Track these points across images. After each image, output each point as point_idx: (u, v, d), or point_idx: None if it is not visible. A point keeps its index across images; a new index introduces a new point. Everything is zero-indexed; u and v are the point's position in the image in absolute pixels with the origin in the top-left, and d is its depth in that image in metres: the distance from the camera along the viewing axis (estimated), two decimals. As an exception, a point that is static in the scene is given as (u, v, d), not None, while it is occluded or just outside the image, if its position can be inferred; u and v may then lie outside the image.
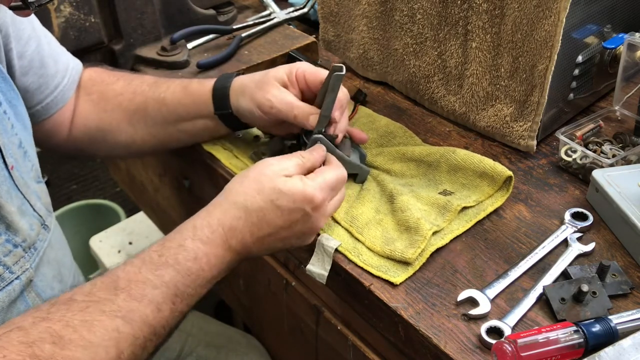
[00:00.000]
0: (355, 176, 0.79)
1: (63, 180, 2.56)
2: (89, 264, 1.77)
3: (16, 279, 0.68)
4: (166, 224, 1.35)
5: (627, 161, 0.77)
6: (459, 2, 0.81)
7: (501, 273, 0.66)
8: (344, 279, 0.69)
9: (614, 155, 0.77)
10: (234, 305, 1.24)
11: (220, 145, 0.86)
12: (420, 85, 0.93)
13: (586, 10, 0.78)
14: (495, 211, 0.74)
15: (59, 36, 0.93)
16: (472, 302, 0.62)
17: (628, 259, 0.67)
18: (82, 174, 2.61)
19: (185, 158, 0.97)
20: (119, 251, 1.70)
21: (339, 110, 0.75)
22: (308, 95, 0.77)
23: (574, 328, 0.56)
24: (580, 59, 0.81)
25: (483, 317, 0.61)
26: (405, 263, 0.66)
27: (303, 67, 0.77)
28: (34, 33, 0.78)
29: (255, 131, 0.88)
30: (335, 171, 0.69)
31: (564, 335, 0.56)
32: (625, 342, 0.55)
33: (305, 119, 0.73)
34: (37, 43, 0.79)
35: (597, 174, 0.72)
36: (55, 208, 0.80)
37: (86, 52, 0.98)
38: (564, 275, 0.65)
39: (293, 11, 1.14)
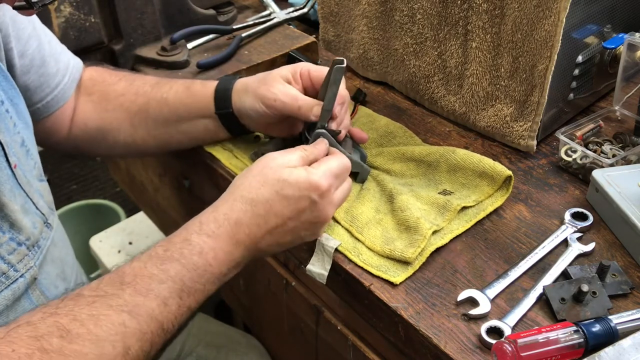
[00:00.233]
0: (356, 175, 0.79)
1: (63, 180, 2.56)
2: (89, 264, 1.77)
3: (20, 277, 0.68)
4: (166, 224, 1.35)
5: (627, 161, 0.77)
6: (459, 2, 0.81)
7: (501, 273, 0.66)
8: (344, 279, 0.69)
9: (614, 155, 0.77)
10: (234, 305, 1.24)
11: (220, 146, 0.86)
12: (420, 85, 0.93)
13: (586, 10, 0.78)
14: (495, 211, 0.74)
15: (59, 36, 0.93)
16: (472, 302, 0.62)
17: (628, 259, 0.67)
18: (82, 173, 2.61)
19: (185, 158, 0.97)
20: (119, 251, 1.70)
21: (340, 105, 0.75)
22: (311, 93, 0.78)
23: (574, 328, 0.56)
24: (580, 59, 0.81)
25: (483, 317, 0.61)
26: (405, 263, 0.66)
27: (307, 66, 0.78)
28: (35, 32, 0.79)
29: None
30: (338, 159, 0.68)
31: (564, 335, 0.56)
32: (625, 342, 0.55)
33: (309, 110, 0.73)
34: (38, 42, 0.79)
35: (597, 174, 0.72)
36: (55, 208, 0.81)
37: (86, 52, 0.98)
38: (564, 275, 0.65)
39: (293, 11, 1.14)
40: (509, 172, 0.73)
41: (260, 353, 1.10)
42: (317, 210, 0.65)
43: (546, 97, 0.77)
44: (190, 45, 1.06)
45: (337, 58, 0.70)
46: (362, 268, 0.67)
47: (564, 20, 0.71)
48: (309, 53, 1.04)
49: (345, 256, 0.69)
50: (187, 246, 0.61)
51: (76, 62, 0.87)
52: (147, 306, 0.57)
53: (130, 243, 1.72)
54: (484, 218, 0.73)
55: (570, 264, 0.66)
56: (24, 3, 0.59)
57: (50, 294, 0.74)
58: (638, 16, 0.89)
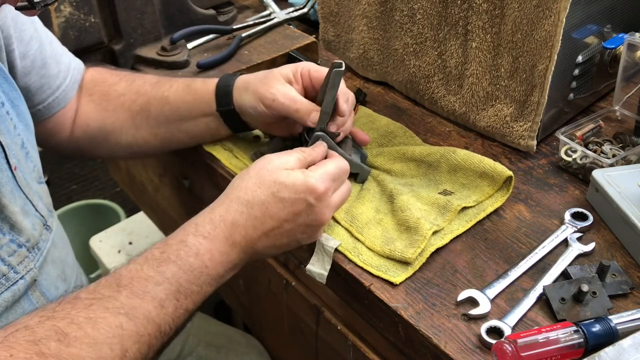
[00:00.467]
0: (356, 176, 0.79)
1: (63, 180, 2.56)
2: (89, 264, 1.77)
3: (21, 278, 0.68)
4: (166, 224, 1.35)
5: (627, 161, 0.77)
6: (459, 2, 0.81)
7: (501, 273, 0.66)
8: (344, 279, 0.69)
9: (614, 155, 0.77)
10: (234, 305, 1.24)
11: (220, 146, 0.86)
12: (420, 85, 0.93)
13: (586, 10, 0.78)
14: (495, 211, 0.74)
15: (59, 36, 0.93)
16: (472, 302, 0.62)
17: (628, 259, 0.67)
18: (82, 174, 2.61)
19: (185, 158, 0.97)
20: (119, 251, 1.70)
21: (346, 103, 0.74)
22: (311, 94, 0.77)
23: (574, 328, 0.56)
24: (580, 59, 0.81)
25: (483, 317, 0.61)
26: (405, 263, 0.66)
27: (308, 66, 0.77)
28: (36, 33, 0.79)
29: (256, 131, 0.88)
30: (336, 162, 0.68)
31: (564, 335, 0.56)
32: (625, 342, 0.55)
33: (307, 115, 0.73)
34: (40, 43, 0.79)
35: (597, 174, 0.72)
36: (55, 208, 0.81)
37: (86, 52, 0.98)
38: (564, 275, 0.65)
39: (293, 11, 1.14)
40: (510, 173, 0.73)
41: (260, 353, 1.10)
42: (314, 213, 0.65)
43: (546, 97, 0.77)
44: (190, 45, 1.06)
45: (336, 61, 0.70)
46: (362, 268, 0.67)
47: (564, 20, 0.71)
48: (309, 53, 1.04)
49: (345, 256, 0.69)
50: (183, 248, 0.61)
51: (77, 63, 0.87)
52: (144, 308, 0.57)
53: (130, 243, 1.72)
54: (484, 218, 0.73)
55: (570, 264, 0.66)
56: (26, 3, 0.59)
57: (50, 295, 0.74)
58: (638, 16, 0.89)
